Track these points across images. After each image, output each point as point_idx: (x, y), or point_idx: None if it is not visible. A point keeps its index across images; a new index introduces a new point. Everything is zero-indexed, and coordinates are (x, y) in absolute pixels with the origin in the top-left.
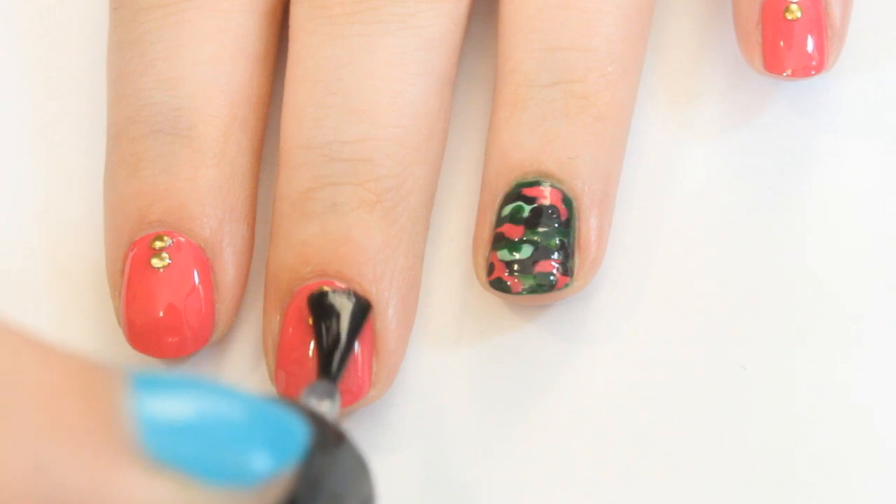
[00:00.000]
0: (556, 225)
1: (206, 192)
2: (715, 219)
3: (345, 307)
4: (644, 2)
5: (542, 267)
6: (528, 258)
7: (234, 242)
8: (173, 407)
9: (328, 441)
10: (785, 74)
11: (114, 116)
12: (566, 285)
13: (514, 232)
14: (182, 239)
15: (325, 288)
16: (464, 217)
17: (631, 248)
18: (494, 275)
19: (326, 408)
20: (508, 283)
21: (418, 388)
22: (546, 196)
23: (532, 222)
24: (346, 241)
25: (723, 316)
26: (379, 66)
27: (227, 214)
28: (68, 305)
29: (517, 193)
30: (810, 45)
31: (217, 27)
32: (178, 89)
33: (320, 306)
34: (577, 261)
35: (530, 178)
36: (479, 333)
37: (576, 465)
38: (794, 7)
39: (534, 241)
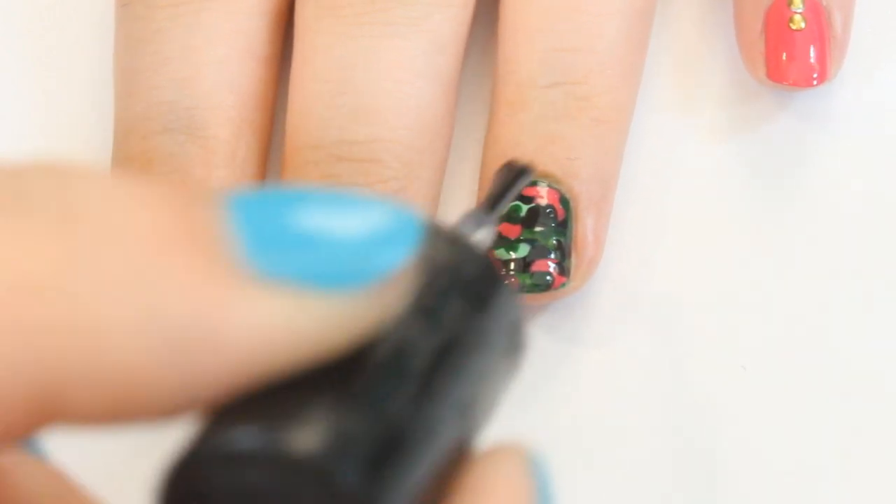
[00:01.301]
0: (553, 225)
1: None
2: (715, 219)
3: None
4: (646, 4)
5: (538, 266)
6: (525, 257)
7: None
8: (273, 219)
9: (473, 261)
10: (787, 84)
11: (123, 113)
12: (562, 285)
13: (511, 231)
14: None
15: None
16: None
17: (630, 248)
18: None
19: (478, 236)
20: None
21: None
22: (543, 196)
23: (529, 222)
24: None
25: (723, 316)
26: (387, 68)
27: None
28: None
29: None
30: (813, 55)
31: (229, 28)
32: (190, 88)
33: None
34: (574, 261)
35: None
36: None
37: (575, 465)
38: (797, 18)
39: (531, 241)
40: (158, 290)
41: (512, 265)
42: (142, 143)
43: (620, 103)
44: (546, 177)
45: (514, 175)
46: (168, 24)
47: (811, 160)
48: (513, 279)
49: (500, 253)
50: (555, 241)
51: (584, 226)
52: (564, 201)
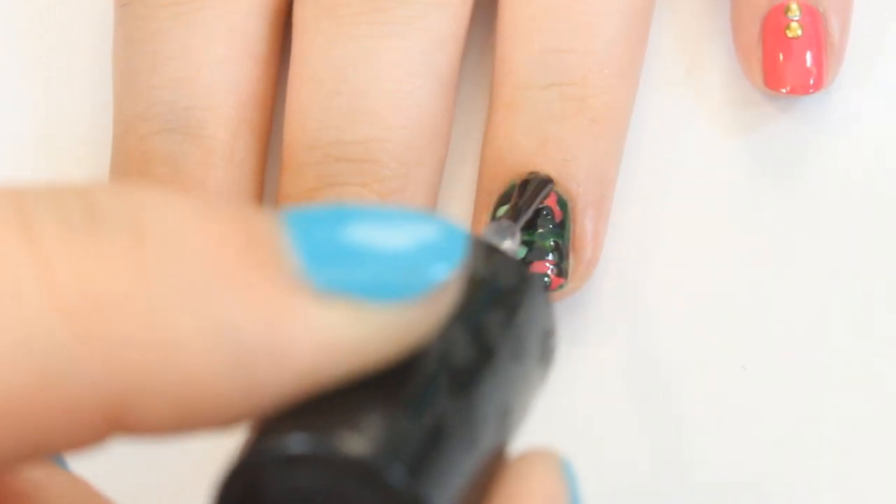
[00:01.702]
0: (551, 226)
1: (215, 193)
2: (714, 219)
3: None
4: (644, 4)
5: (536, 268)
6: (523, 259)
7: None
8: (332, 234)
9: (508, 270)
10: (784, 91)
11: (122, 113)
12: (560, 286)
13: None
14: None
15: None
16: (463, 218)
17: (630, 248)
18: None
19: (507, 245)
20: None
21: None
22: None
23: (527, 223)
24: None
25: (723, 316)
26: (385, 67)
27: None
28: None
29: (512, 194)
30: (809, 62)
31: (227, 28)
32: (189, 88)
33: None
34: (572, 262)
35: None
36: None
37: (575, 465)
38: (794, 25)
39: (528, 242)
40: (226, 303)
41: None
42: (140, 143)
43: (618, 103)
44: None
45: (537, 186)
46: (167, 23)
47: (810, 160)
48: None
49: None
50: (552, 243)
51: (582, 226)
52: (562, 202)
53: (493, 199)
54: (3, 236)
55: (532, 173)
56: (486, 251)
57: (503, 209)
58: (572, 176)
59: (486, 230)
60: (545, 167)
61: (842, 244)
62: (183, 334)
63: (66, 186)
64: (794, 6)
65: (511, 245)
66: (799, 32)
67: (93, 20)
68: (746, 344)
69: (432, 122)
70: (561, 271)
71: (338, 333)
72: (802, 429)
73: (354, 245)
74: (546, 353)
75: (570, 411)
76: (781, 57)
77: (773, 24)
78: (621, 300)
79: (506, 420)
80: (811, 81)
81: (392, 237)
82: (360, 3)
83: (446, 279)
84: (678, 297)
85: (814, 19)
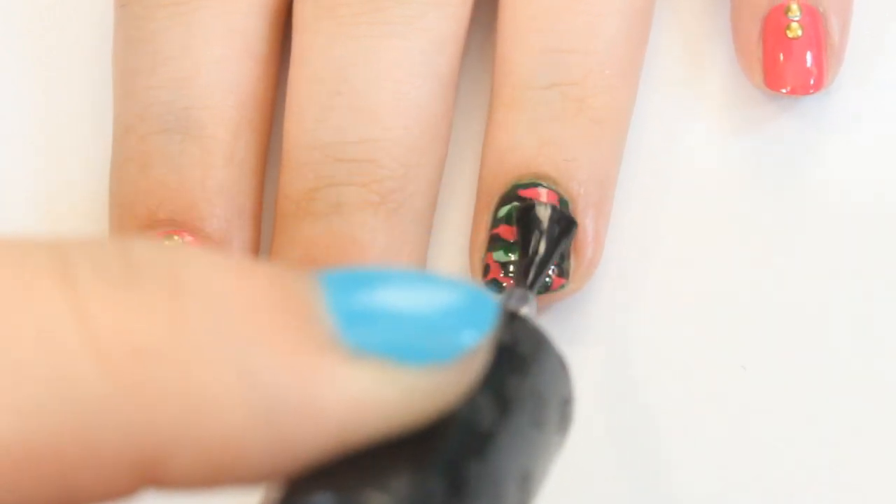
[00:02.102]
0: None
1: (215, 193)
2: (714, 219)
3: (547, 219)
4: (645, 4)
5: None
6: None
7: (242, 243)
8: (366, 297)
9: (528, 338)
10: (784, 91)
11: (121, 114)
12: (561, 287)
13: (510, 233)
14: (190, 238)
15: (531, 200)
16: (463, 218)
17: (630, 248)
18: (490, 276)
19: (525, 311)
20: (504, 285)
21: None
22: (543, 197)
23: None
24: (352, 242)
25: (723, 316)
26: (385, 67)
27: (236, 215)
28: None
29: (513, 195)
30: (810, 62)
31: (226, 28)
32: (187, 89)
33: (526, 218)
34: (573, 263)
35: (526, 180)
36: None
37: (574, 466)
38: (794, 25)
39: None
40: (260, 360)
41: (511, 267)
42: (140, 144)
43: (619, 103)
44: (543, 179)
45: (556, 235)
46: (166, 23)
47: (811, 160)
48: (511, 282)
49: (499, 255)
50: None
51: (584, 227)
52: (563, 203)
53: (494, 199)
54: (44, 286)
55: (558, 214)
56: (507, 317)
57: (513, 254)
58: (573, 176)
59: (504, 296)
60: (546, 168)
61: (842, 244)
62: (217, 389)
63: (106, 240)
64: (794, 6)
65: (530, 311)
66: (799, 33)
67: (93, 20)
68: (746, 344)
69: (432, 121)
70: (562, 272)
71: (368, 394)
72: (802, 429)
73: (388, 308)
74: (564, 420)
75: None
76: (782, 57)
77: (774, 25)
78: (621, 300)
79: (525, 485)
80: (811, 82)
81: (425, 302)
82: (359, 3)
83: (477, 346)
84: (678, 297)
85: (814, 19)
